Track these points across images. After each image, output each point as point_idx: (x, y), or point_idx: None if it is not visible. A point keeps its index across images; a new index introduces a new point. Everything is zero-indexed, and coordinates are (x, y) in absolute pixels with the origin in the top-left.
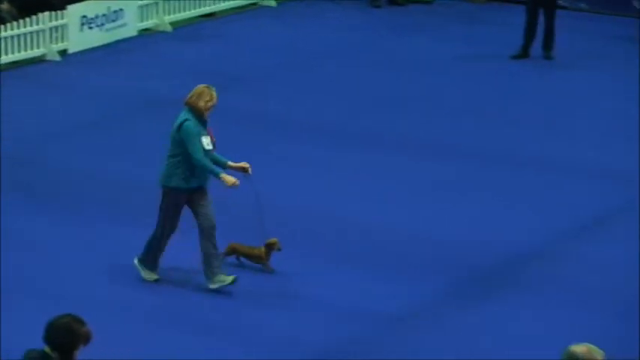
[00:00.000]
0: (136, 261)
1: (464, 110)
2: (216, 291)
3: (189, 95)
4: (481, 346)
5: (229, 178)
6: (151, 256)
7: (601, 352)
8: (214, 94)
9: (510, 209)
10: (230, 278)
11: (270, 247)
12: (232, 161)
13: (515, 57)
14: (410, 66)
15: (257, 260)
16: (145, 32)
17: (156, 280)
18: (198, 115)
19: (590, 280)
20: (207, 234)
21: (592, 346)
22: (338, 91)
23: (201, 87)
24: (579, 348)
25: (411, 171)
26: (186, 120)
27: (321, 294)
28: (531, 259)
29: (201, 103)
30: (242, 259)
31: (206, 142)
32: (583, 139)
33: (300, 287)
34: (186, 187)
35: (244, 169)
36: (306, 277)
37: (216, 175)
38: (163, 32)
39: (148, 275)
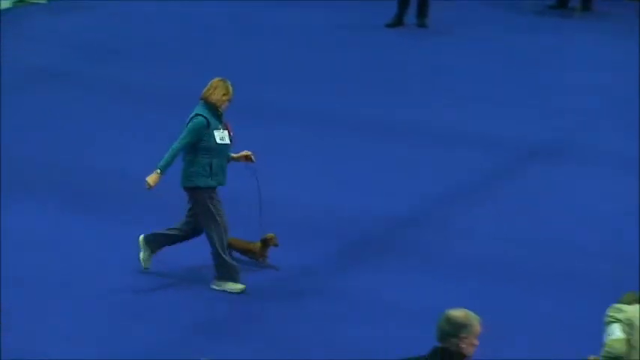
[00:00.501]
0: (215, 285)
1: (339, 79)
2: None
3: (205, 89)
4: (357, 311)
5: (153, 179)
6: (224, 269)
7: (477, 317)
8: (230, 87)
9: (385, 176)
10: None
11: (266, 242)
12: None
13: (390, 25)
14: (285, 36)
15: (253, 256)
16: (19, 4)
17: (243, 290)
18: (213, 110)
19: (462, 247)
20: (178, 237)
21: (469, 312)
22: (217, 63)
23: (216, 80)
24: (457, 313)
25: (287, 141)
26: (197, 115)
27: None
28: (405, 225)
29: (216, 97)
30: (237, 254)
31: (220, 136)
32: (456, 107)
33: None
34: (211, 185)
35: (248, 158)
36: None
37: (158, 167)
38: (38, 4)
39: (234, 287)
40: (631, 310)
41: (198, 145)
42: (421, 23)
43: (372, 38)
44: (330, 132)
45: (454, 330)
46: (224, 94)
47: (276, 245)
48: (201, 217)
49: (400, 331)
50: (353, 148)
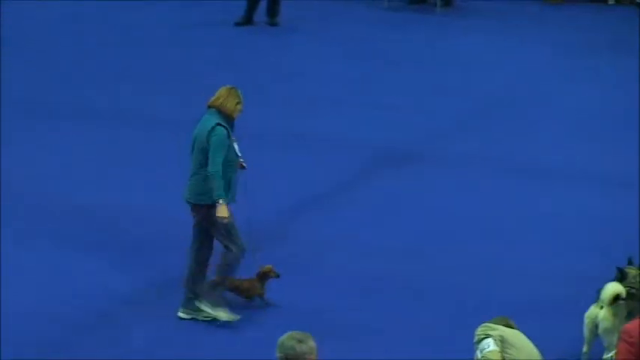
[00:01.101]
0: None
1: (182, 79)
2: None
3: (214, 97)
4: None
5: (225, 211)
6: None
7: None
8: (241, 95)
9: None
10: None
11: (264, 276)
12: None
13: (239, 24)
14: (134, 36)
15: (247, 294)
16: None
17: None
18: (228, 119)
19: (321, 255)
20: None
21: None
22: (58, 66)
23: (226, 88)
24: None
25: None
26: (218, 124)
27: None
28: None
29: (231, 106)
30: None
31: (237, 148)
32: (311, 109)
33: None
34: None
35: (241, 166)
36: None
37: (217, 197)
38: None
39: (226, 315)
40: (502, 328)
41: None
42: (272, 22)
43: (220, 36)
44: (170, 135)
45: (299, 355)
46: (237, 103)
47: (277, 277)
48: (219, 236)
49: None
50: None
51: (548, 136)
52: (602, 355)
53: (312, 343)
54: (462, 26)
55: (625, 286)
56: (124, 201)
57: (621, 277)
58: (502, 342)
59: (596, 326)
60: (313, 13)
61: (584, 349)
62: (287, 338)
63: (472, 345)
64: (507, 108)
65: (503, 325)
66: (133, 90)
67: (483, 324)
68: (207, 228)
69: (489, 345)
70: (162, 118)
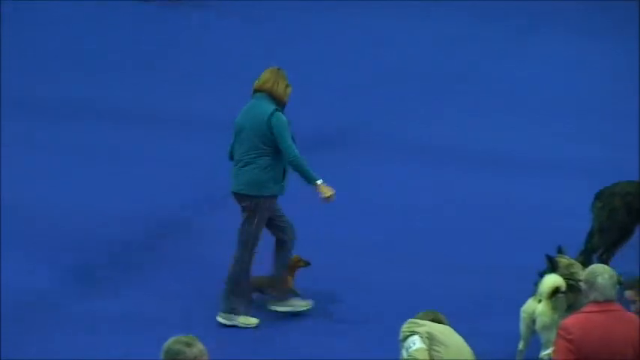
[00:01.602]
0: (221, 318)
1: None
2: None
3: (261, 80)
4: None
5: (328, 188)
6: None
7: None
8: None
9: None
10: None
11: (294, 267)
12: None
13: None
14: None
15: (280, 288)
16: None
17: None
18: (280, 104)
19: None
20: (290, 247)
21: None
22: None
23: (272, 70)
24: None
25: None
26: (275, 109)
27: None
28: (167, 233)
29: (281, 89)
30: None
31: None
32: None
33: None
34: (279, 194)
35: None
36: None
37: (312, 180)
38: None
39: (246, 321)
40: (429, 324)
41: (274, 148)
42: None
43: None
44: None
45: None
46: (287, 86)
47: (308, 265)
48: (251, 228)
49: None
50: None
51: (487, 121)
52: (539, 353)
53: (201, 346)
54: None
55: (565, 278)
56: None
57: (552, 268)
58: (430, 339)
59: (533, 321)
60: None
61: (520, 346)
62: (173, 343)
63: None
64: (442, 88)
65: (431, 321)
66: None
67: (409, 320)
68: (268, 219)
69: (415, 343)
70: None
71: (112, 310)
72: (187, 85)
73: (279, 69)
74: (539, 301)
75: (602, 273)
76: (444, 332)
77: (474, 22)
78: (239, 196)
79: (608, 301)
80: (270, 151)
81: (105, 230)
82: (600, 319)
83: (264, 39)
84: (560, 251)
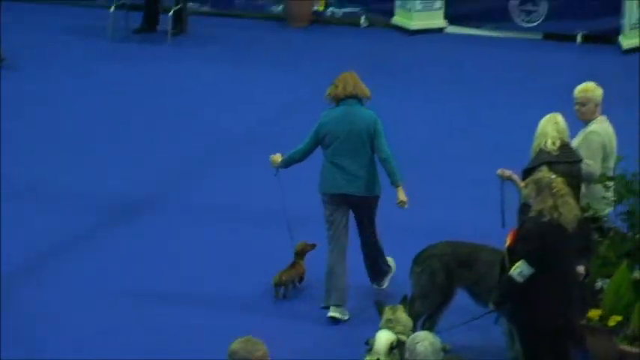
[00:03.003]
0: (338, 313)
1: None
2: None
3: (344, 86)
4: None
5: (404, 195)
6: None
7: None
8: None
9: None
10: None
11: (302, 253)
12: None
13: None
14: None
15: (301, 277)
16: None
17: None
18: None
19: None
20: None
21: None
22: None
23: (351, 73)
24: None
25: None
26: (372, 114)
27: None
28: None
29: (366, 88)
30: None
31: None
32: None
33: None
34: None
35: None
36: None
37: (398, 181)
38: None
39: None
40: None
41: (371, 150)
42: None
43: None
44: None
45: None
46: (366, 85)
47: (313, 247)
48: (373, 226)
49: None
50: None
51: None
52: None
53: (264, 347)
54: (196, 56)
55: (396, 333)
56: None
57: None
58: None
59: None
60: (32, 49)
61: None
62: (238, 344)
63: None
64: (249, 147)
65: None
66: None
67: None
68: (365, 220)
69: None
70: None
71: None
72: None
73: (352, 72)
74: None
75: (422, 340)
76: None
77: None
78: (362, 199)
79: None
80: (371, 153)
81: None
82: None
83: None
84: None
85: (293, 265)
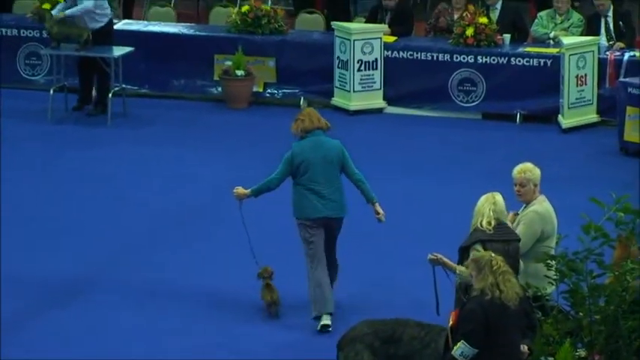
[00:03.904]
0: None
1: None
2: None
3: (311, 120)
4: None
5: (381, 209)
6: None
7: None
8: None
9: None
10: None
11: (270, 276)
12: None
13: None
14: None
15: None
16: None
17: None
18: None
19: None
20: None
21: None
22: None
23: (310, 110)
24: None
25: None
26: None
27: None
28: None
29: (328, 122)
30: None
31: None
32: None
33: None
34: None
35: None
36: None
37: (373, 199)
38: None
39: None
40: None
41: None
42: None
43: None
44: None
45: None
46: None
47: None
48: (335, 245)
49: None
50: None
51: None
52: None
53: None
54: (135, 137)
55: None
56: None
57: None
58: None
59: None
60: None
61: None
62: None
63: None
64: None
65: None
66: None
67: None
68: (333, 240)
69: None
70: None
71: None
72: None
73: (312, 108)
74: None
75: None
76: None
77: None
78: (336, 220)
79: None
80: (340, 177)
81: None
82: None
83: None
84: None
85: (268, 285)
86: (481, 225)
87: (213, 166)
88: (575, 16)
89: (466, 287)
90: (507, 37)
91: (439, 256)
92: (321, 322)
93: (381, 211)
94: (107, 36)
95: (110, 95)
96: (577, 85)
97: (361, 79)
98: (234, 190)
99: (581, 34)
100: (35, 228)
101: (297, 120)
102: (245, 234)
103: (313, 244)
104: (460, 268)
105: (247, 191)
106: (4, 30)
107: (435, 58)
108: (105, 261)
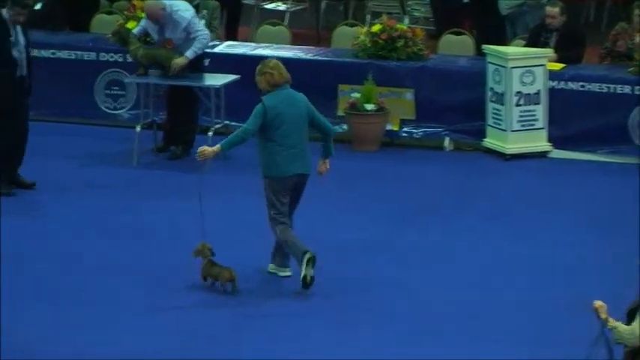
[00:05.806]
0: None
1: None
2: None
3: (281, 74)
4: None
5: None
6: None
7: None
8: None
9: None
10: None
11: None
12: None
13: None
14: None
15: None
16: None
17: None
18: None
19: None
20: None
21: None
22: None
23: (275, 61)
24: None
25: None
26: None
27: None
28: None
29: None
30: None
31: None
32: None
33: None
34: None
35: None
36: None
37: (332, 154)
38: None
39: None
40: None
41: None
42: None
43: None
44: None
45: None
46: None
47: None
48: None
49: None
50: None
51: None
52: None
53: None
54: (233, 186)
55: None
56: None
57: None
58: None
59: None
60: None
61: None
62: None
63: None
64: None
65: None
66: None
67: None
68: (298, 197)
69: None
70: None
71: None
72: None
73: (274, 59)
74: None
75: None
76: None
77: None
78: (306, 177)
79: None
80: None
81: None
82: None
83: None
84: None
85: (213, 263)
86: None
87: (333, 227)
88: None
89: (633, 353)
90: None
91: (604, 306)
92: (305, 272)
93: (327, 166)
94: (199, 61)
95: (211, 134)
96: None
97: (520, 116)
98: (199, 150)
99: None
100: None
101: (264, 73)
102: (199, 207)
103: (284, 205)
104: (623, 327)
105: (216, 148)
106: (79, 53)
107: (611, 90)
108: None
